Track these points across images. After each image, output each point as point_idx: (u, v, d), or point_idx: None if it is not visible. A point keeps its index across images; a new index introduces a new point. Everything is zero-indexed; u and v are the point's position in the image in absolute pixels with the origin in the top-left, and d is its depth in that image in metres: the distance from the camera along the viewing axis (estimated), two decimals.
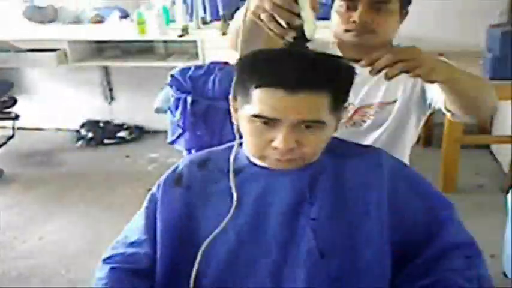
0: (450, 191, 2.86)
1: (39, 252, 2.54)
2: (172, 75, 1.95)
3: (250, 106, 0.88)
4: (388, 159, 1.01)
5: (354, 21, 1.19)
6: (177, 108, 1.92)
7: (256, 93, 0.87)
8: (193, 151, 1.87)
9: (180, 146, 1.92)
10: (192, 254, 0.96)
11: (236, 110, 0.96)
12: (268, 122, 0.87)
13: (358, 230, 0.93)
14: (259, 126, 0.89)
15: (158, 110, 3.70)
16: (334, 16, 1.25)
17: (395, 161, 1.03)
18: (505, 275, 2.08)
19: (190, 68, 1.94)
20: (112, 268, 0.99)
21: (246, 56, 0.91)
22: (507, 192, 2.10)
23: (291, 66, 0.85)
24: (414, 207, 0.97)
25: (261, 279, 0.93)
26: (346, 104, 0.97)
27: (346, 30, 1.22)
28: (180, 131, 1.91)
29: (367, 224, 0.93)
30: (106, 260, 1.01)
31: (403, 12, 1.26)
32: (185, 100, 1.90)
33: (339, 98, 0.91)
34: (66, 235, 2.68)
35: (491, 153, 3.50)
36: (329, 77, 0.87)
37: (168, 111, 1.99)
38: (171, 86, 2.27)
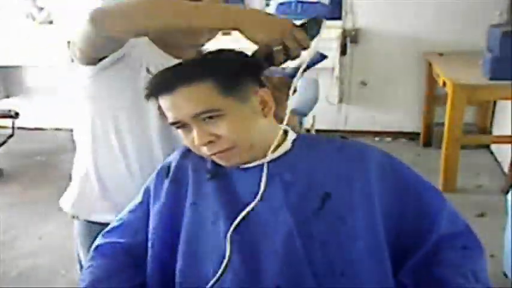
0: (450, 191, 2.87)
1: (39, 252, 2.54)
2: None
3: None
4: (373, 153, 0.99)
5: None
6: None
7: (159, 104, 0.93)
8: None
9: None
10: (175, 242, 0.96)
11: None
12: (180, 126, 0.92)
13: (345, 221, 0.90)
14: (182, 132, 0.93)
15: None
16: None
17: (383, 154, 1.00)
18: (505, 275, 2.08)
19: None
20: (100, 246, 1.01)
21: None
22: (507, 192, 2.10)
23: (163, 71, 0.92)
24: (404, 200, 0.95)
25: (236, 276, 0.88)
26: (257, 87, 0.94)
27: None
28: None
29: (354, 215, 0.90)
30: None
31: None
32: None
33: (226, 82, 0.89)
34: (66, 235, 2.68)
35: (491, 153, 3.51)
36: (201, 66, 0.90)
37: None
38: None
